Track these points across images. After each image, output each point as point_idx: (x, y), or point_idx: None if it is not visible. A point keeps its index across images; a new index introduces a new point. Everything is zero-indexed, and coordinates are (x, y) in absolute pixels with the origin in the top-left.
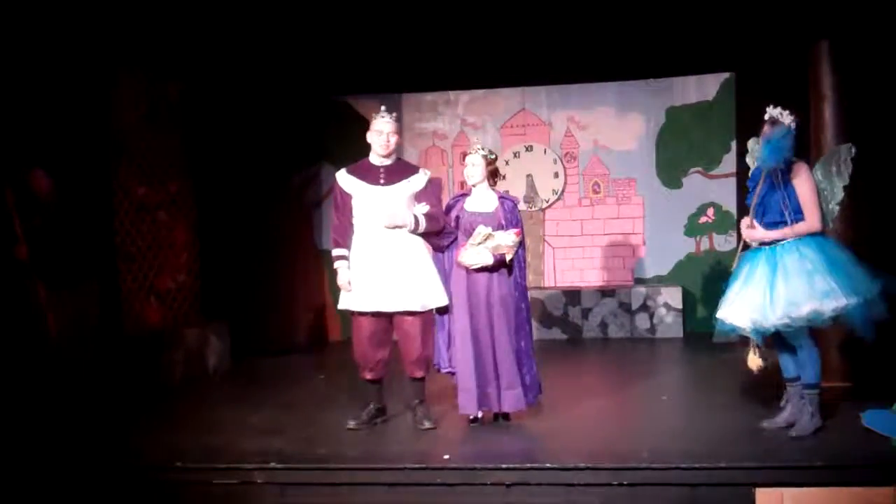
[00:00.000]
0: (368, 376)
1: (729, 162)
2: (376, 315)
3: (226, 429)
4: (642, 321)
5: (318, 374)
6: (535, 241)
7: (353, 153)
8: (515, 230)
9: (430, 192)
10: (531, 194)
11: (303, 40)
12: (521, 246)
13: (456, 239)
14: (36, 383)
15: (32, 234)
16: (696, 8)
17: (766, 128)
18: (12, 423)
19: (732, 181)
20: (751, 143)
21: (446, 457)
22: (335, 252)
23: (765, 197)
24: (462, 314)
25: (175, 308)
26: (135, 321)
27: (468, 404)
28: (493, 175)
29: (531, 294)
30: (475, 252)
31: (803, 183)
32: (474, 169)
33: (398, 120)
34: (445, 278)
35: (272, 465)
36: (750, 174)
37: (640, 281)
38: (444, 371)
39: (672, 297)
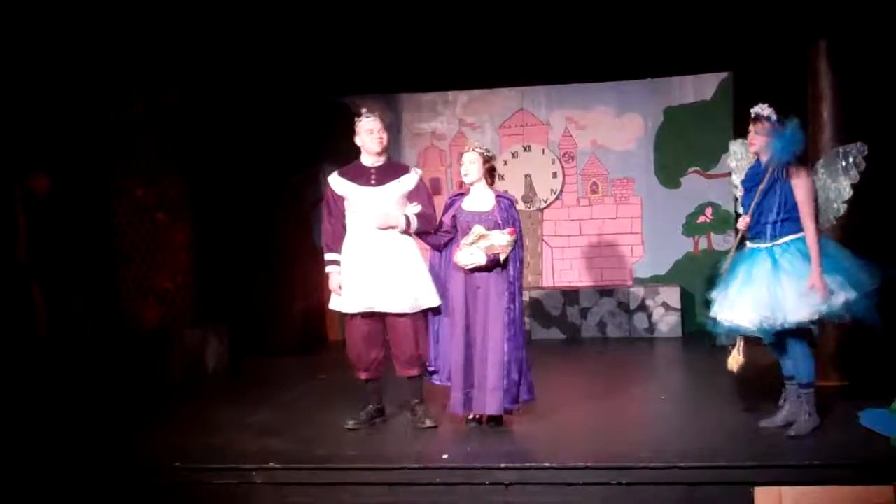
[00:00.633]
0: (364, 376)
1: (727, 161)
2: (369, 316)
3: (224, 429)
4: (640, 321)
5: (319, 374)
6: (534, 240)
7: (352, 153)
8: (509, 229)
9: (422, 191)
10: (529, 194)
11: (302, 41)
12: (520, 246)
13: (454, 238)
14: (34, 383)
15: (31, 234)
16: (693, 7)
17: (758, 126)
18: (10, 424)
19: (730, 181)
20: (734, 146)
21: (445, 456)
22: (327, 256)
23: (764, 197)
24: (459, 315)
25: (174, 308)
26: (133, 321)
27: (456, 405)
28: (491, 173)
29: (530, 294)
30: (469, 252)
31: (802, 185)
32: (471, 167)
33: (382, 118)
34: (438, 278)
35: (271, 465)
36: (744, 174)
37: (638, 281)
38: (429, 369)
39: (670, 296)
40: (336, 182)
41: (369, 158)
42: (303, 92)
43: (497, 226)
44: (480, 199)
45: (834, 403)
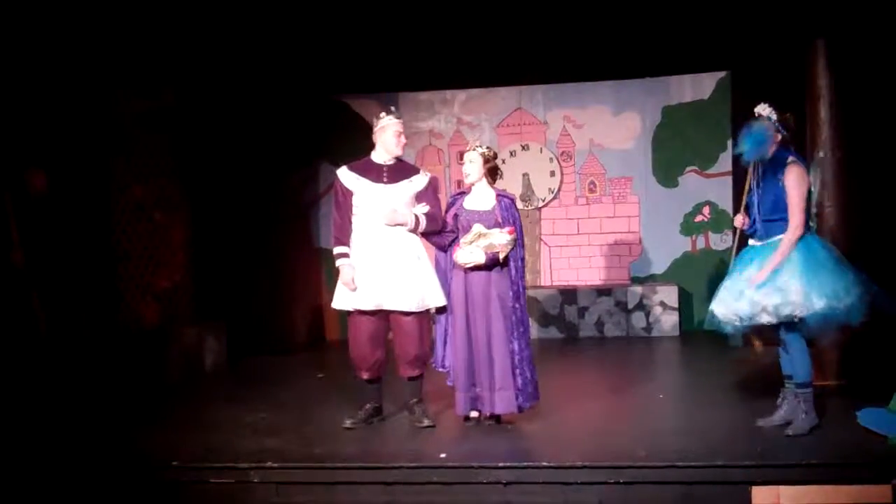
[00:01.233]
0: (365, 376)
1: (725, 161)
2: (374, 314)
3: (222, 428)
4: (638, 320)
5: (318, 373)
6: (532, 240)
7: (351, 152)
8: (509, 228)
9: (431, 192)
10: (527, 193)
11: (300, 40)
12: (520, 245)
13: (456, 237)
14: (32, 382)
15: (28, 234)
16: (691, 7)
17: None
18: (9, 423)
19: (728, 180)
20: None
21: (443, 456)
22: (337, 250)
23: (763, 195)
24: (460, 314)
25: (172, 307)
26: (132, 320)
27: (459, 405)
28: (493, 173)
29: (528, 293)
30: (468, 251)
31: (794, 185)
32: (471, 166)
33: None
34: (445, 278)
35: (268, 464)
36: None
37: (636, 280)
38: (439, 369)
39: (668, 295)
40: (345, 176)
41: (384, 157)
42: (301, 91)
43: (497, 225)
44: (481, 198)
45: (832, 403)
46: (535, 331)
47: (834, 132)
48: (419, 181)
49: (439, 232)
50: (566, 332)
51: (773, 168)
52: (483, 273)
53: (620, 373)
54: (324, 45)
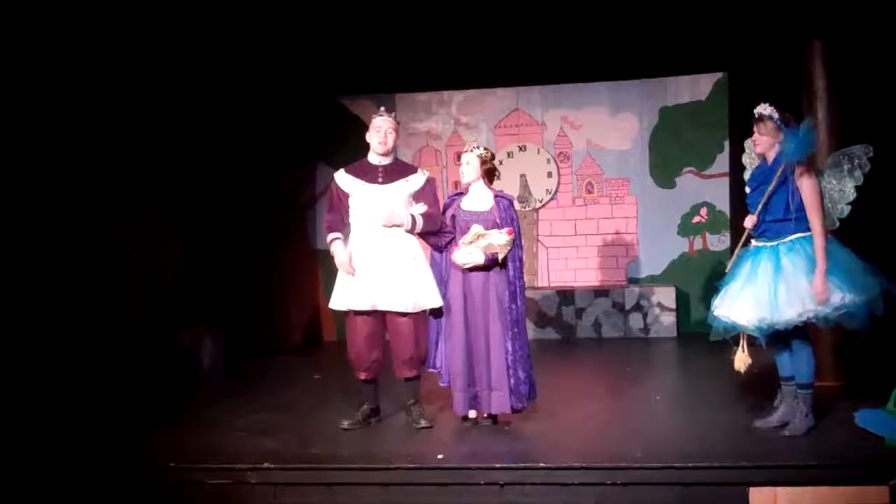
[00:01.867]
0: (363, 376)
1: (722, 162)
2: (370, 314)
3: (220, 429)
4: (636, 321)
5: (315, 374)
6: (529, 240)
7: (348, 153)
8: (508, 229)
9: (429, 192)
10: (525, 194)
11: (297, 40)
12: (517, 246)
13: (454, 238)
14: (30, 382)
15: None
16: (689, 8)
17: (761, 126)
18: (7, 424)
19: (726, 181)
20: (748, 143)
21: (440, 457)
22: (330, 236)
23: (771, 196)
24: (458, 314)
25: (169, 308)
26: (129, 321)
27: (458, 406)
28: (490, 174)
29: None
30: (467, 251)
31: (810, 184)
32: (468, 168)
33: (397, 120)
34: (442, 279)
35: (266, 465)
36: (750, 174)
37: (633, 281)
38: (430, 370)
39: (665, 296)
40: (342, 179)
41: (376, 157)
42: (298, 92)
43: (495, 226)
44: (479, 198)
45: (829, 404)
46: (532, 332)
47: (831, 133)
48: (416, 181)
49: (437, 232)
50: (563, 332)
51: (787, 168)
52: (481, 274)
53: (617, 374)
54: (321, 45)
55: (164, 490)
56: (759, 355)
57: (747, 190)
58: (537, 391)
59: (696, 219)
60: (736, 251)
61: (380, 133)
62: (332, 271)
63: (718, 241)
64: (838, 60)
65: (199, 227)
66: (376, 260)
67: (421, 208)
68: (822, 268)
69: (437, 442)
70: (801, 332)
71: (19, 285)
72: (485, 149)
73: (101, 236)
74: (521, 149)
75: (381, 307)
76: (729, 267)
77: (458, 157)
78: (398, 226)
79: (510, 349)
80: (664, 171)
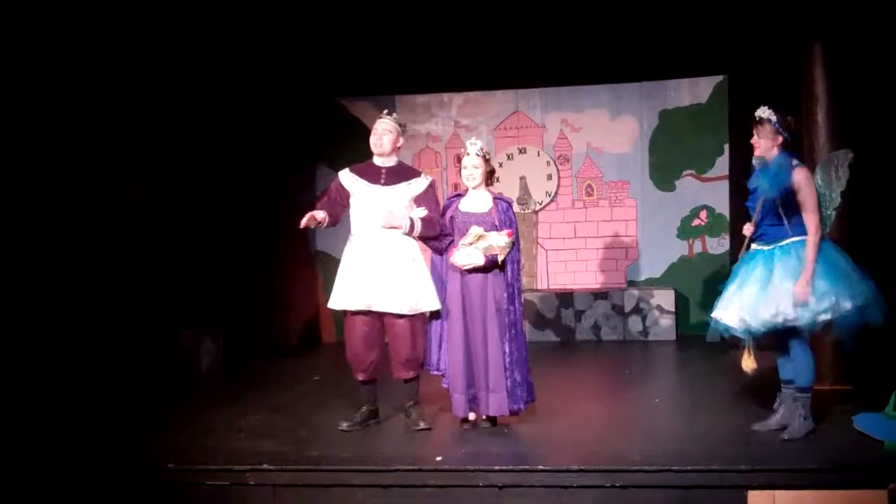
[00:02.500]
0: (361, 377)
1: (722, 165)
2: (368, 315)
3: (218, 430)
4: (635, 324)
5: (314, 375)
6: (528, 243)
7: (348, 155)
8: (508, 231)
9: (430, 196)
10: (524, 196)
11: (298, 42)
12: (517, 248)
13: (453, 241)
14: (28, 383)
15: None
16: (689, 11)
17: (760, 129)
18: (6, 424)
19: (725, 184)
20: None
21: (439, 459)
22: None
23: (768, 201)
24: (456, 316)
25: (168, 310)
26: (128, 323)
27: (458, 407)
28: (490, 175)
29: (524, 296)
30: (466, 253)
31: (804, 188)
32: (475, 171)
33: (399, 122)
34: (440, 281)
35: (264, 466)
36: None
37: (632, 283)
38: (433, 372)
39: (665, 299)
40: (346, 178)
41: (379, 159)
42: (299, 93)
43: (494, 227)
44: (478, 200)
45: (828, 407)
46: (531, 334)
47: (831, 136)
48: (418, 185)
49: (437, 237)
50: (562, 335)
51: (776, 171)
52: (480, 275)
53: (616, 376)
54: (321, 47)
55: (163, 491)
56: (758, 358)
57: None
58: (535, 394)
59: (696, 222)
60: (741, 254)
61: (375, 134)
62: (331, 273)
63: (718, 245)
64: (838, 63)
65: (198, 229)
66: (374, 261)
67: (421, 212)
68: (809, 271)
69: (436, 444)
70: (799, 336)
71: (19, 285)
72: (481, 147)
73: (101, 236)
74: (520, 151)
75: (377, 308)
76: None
77: (458, 159)
78: (397, 228)
79: (508, 351)
80: (664, 173)
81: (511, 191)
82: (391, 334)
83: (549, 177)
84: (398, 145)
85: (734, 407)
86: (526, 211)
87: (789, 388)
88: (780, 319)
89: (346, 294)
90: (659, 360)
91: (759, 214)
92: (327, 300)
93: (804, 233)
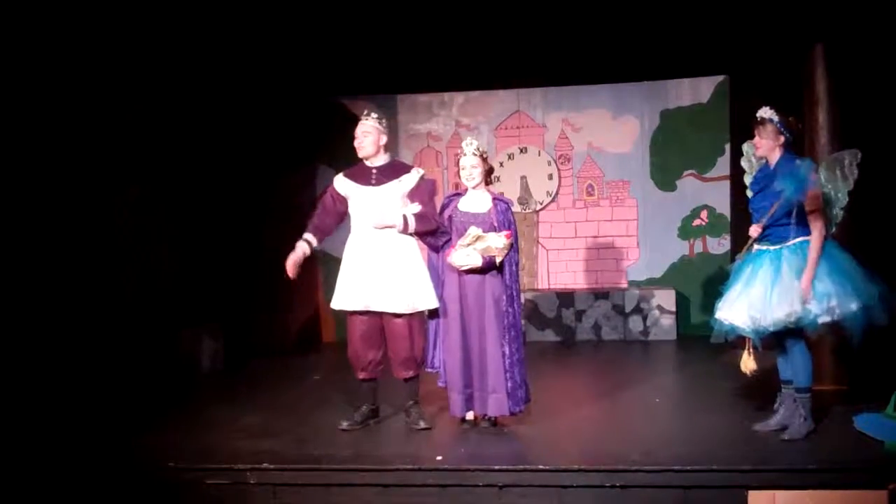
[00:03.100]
0: (361, 376)
1: (723, 165)
2: (367, 314)
3: (219, 429)
4: (636, 323)
5: (314, 375)
6: (529, 242)
7: (348, 154)
8: (506, 232)
9: (423, 191)
10: (525, 196)
11: (298, 41)
12: (515, 249)
13: (450, 239)
14: (28, 383)
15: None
16: (690, 11)
17: (762, 130)
18: (6, 424)
19: (726, 184)
20: (746, 147)
21: (439, 458)
22: (305, 235)
23: (775, 202)
24: (454, 316)
25: (168, 308)
26: (128, 321)
27: (455, 406)
28: (489, 173)
29: (525, 296)
30: (464, 253)
31: (813, 188)
32: (474, 171)
33: (380, 120)
34: (438, 280)
35: (265, 465)
36: (752, 178)
37: (633, 283)
38: (428, 369)
39: (665, 299)
40: (340, 183)
41: (370, 159)
42: (299, 93)
43: (493, 228)
44: (477, 200)
45: (828, 407)
46: (531, 334)
47: (832, 137)
48: (409, 180)
49: (433, 232)
50: (563, 335)
51: (804, 175)
52: (477, 276)
53: (617, 376)
54: (321, 46)
55: (163, 490)
56: (759, 358)
57: (749, 194)
58: (531, 395)
59: (697, 222)
60: (743, 255)
61: (356, 139)
62: (331, 273)
63: (718, 245)
64: (839, 64)
65: (198, 228)
66: (372, 261)
67: (415, 208)
68: (812, 271)
69: (436, 443)
70: (798, 336)
71: (19, 285)
72: (478, 146)
73: (102, 236)
74: (521, 151)
75: (376, 308)
76: (734, 268)
77: (458, 161)
78: (390, 227)
79: (508, 352)
80: (665, 173)
81: (512, 190)
82: (390, 334)
83: (550, 176)
84: (382, 143)
85: (734, 407)
86: (527, 210)
87: (789, 388)
88: (793, 319)
89: (345, 294)
90: (659, 360)
91: (772, 216)
92: (327, 299)
93: (809, 232)
